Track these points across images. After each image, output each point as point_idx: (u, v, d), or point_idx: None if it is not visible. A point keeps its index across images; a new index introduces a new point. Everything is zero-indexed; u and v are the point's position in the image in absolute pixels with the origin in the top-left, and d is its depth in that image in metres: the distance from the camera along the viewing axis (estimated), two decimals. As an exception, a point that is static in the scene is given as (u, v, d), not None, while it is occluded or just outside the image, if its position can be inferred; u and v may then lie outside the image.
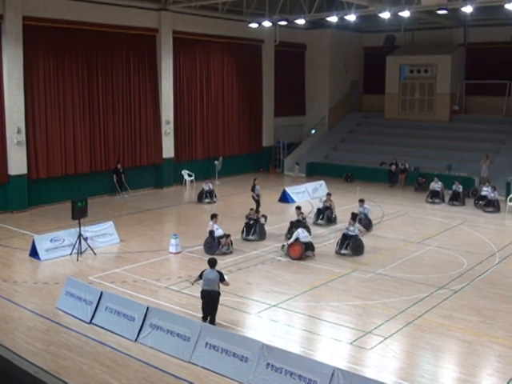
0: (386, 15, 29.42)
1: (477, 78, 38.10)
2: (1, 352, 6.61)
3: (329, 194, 25.96)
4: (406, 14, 29.02)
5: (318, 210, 24.89)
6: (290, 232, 21.25)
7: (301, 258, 19.69)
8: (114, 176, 29.98)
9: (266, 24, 33.36)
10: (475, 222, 25.51)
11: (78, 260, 19.25)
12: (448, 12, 29.16)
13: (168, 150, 32.97)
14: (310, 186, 31.42)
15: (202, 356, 12.10)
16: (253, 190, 26.54)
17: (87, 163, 29.06)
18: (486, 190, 28.38)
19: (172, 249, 20.18)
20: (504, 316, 14.84)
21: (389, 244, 21.78)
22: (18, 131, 25.88)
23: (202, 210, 27.38)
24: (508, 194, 28.61)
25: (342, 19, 31.52)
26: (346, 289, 16.87)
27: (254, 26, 33.80)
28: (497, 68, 37.27)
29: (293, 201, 28.88)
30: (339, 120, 42.80)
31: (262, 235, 21.97)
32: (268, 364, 11.24)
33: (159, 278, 17.53)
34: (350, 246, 20.09)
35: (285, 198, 29.51)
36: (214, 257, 14.87)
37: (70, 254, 19.69)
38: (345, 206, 26.33)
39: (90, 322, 14.06)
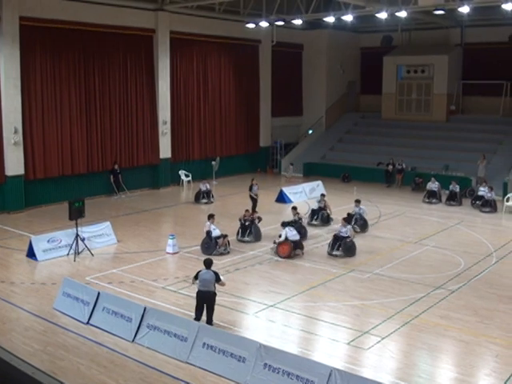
0: (382, 15, 29.43)
1: (474, 78, 38.13)
2: (-2, 353, 6.61)
3: (323, 195, 25.95)
4: (402, 14, 29.03)
5: (313, 210, 24.88)
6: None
7: (290, 256, 19.79)
8: (111, 176, 29.96)
9: (263, 24, 33.35)
10: (472, 222, 25.54)
11: (75, 260, 19.24)
12: (445, 12, 29.22)
13: (165, 151, 32.96)
14: (307, 186, 31.43)
15: (199, 356, 12.09)
16: (250, 189, 26.60)
17: (84, 163, 29.04)
18: (482, 190, 28.41)
19: (169, 249, 20.17)
20: (501, 316, 14.86)
21: (386, 244, 21.80)
22: (15, 131, 25.86)
23: (199, 211, 27.38)
24: (505, 194, 28.66)
25: (339, 19, 31.53)
26: (344, 289, 16.88)
27: (251, 26, 33.80)
28: (494, 68, 37.31)
29: (290, 201, 28.86)
30: (336, 120, 42.82)
31: (257, 236, 21.89)
32: (265, 364, 11.24)
33: (156, 279, 17.53)
34: (342, 247, 19.99)
35: (282, 199, 29.51)
36: (210, 257, 14.85)
37: (67, 254, 19.67)
38: (342, 206, 26.36)
39: (88, 323, 14.05)
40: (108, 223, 21.69)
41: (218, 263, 18.87)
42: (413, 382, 11.56)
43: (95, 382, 11.40)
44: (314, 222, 24.33)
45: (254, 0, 34.72)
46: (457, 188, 29.22)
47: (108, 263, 19.32)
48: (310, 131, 41.88)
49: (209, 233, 20.21)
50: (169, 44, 32.38)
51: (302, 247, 20.41)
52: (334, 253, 20.02)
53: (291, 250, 19.84)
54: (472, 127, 36.97)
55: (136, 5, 30.55)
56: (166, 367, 11.95)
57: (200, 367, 11.92)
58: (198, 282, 13.78)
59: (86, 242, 19.99)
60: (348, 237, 20.17)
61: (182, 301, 15.42)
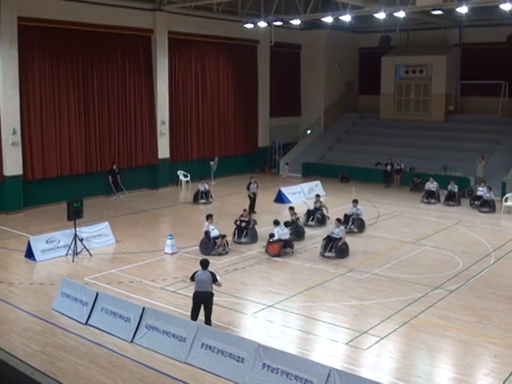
0: (381, 16, 29.45)
1: (472, 78, 38.14)
2: (-3, 353, 6.60)
3: (317, 196, 25.91)
4: (401, 14, 29.07)
5: (308, 211, 24.80)
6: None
7: (279, 254, 19.90)
8: (110, 177, 29.93)
9: (262, 24, 33.36)
10: (471, 222, 25.56)
11: (73, 261, 19.23)
12: (443, 12, 29.24)
13: (163, 151, 32.96)
14: (305, 186, 31.44)
15: (198, 357, 12.09)
16: (248, 188, 26.65)
17: (82, 164, 29.03)
18: (481, 190, 28.43)
19: (168, 249, 20.16)
20: (499, 316, 14.87)
21: (384, 244, 21.81)
22: (14, 132, 25.84)
23: (197, 211, 27.37)
24: (503, 194, 28.67)
25: (337, 20, 31.56)
26: (342, 289, 16.88)
27: (249, 26, 33.80)
28: (492, 68, 37.34)
29: (288, 201, 28.84)
30: (335, 120, 42.83)
31: (253, 238, 21.70)
32: (264, 364, 11.24)
33: (155, 279, 17.52)
34: (334, 248, 19.85)
35: (280, 199, 29.52)
36: (206, 258, 14.81)
37: (66, 254, 19.67)
38: (340, 206, 26.33)
39: (86, 323, 14.04)
40: (106, 223, 21.68)
41: (217, 263, 18.90)
42: (411, 382, 11.57)
43: (94, 383, 11.39)
44: (309, 223, 24.25)
45: (252, 0, 34.73)
46: (455, 188, 29.24)
47: (106, 263, 19.31)
48: (309, 131, 41.89)
49: (207, 233, 20.20)
50: (167, 44, 32.37)
51: (291, 246, 20.51)
52: (326, 254, 19.88)
53: (281, 248, 19.99)
54: (470, 127, 36.99)
55: (134, 5, 30.55)
56: (165, 367, 11.94)
57: (199, 367, 11.91)
58: (194, 283, 13.77)
59: (84, 242, 19.97)
60: (341, 238, 20.03)
61: (180, 301, 15.41)
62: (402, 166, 34.31)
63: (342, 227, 20.65)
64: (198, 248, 20.35)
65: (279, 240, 20.10)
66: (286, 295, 16.20)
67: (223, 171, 35.92)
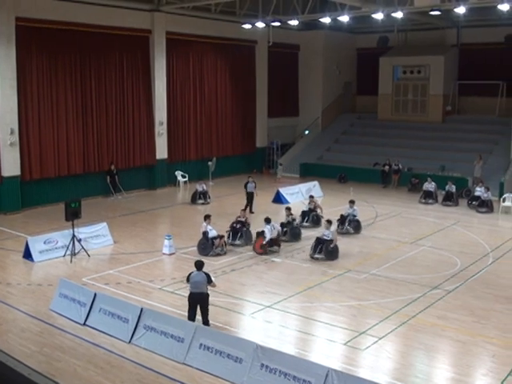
0: (378, 16, 29.46)
1: (470, 78, 38.17)
2: (-6, 354, 6.60)
3: (311, 197, 25.85)
4: (398, 14, 29.08)
5: (303, 212, 24.68)
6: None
7: (266, 252, 20.09)
8: (108, 177, 29.93)
9: (259, 25, 33.37)
10: (468, 223, 25.57)
11: (71, 261, 19.21)
12: (441, 13, 29.23)
13: (161, 151, 32.95)
14: (303, 186, 31.44)
15: (196, 357, 12.08)
16: (245, 186, 26.74)
17: (80, 164, 29.02)
18: (479, 191, 28.45)
19: (166, 250, 20.15)
20: (497, 316, 14.88)
21: (382, 244, 21.81)
22: (11, 132, 25.82)
23: (195, 211, 27.36)
24: (501, 195, 28.69)
25: (335, 20, 31.57)
26: (340, 289, 16.88)
27: (247, 26, 33.82)
28: (489, 68, 37.40)
29: (286, 201, 28.80)
30: (332, 121, 42.85)
31: (248, 240, 21.43)
32: (262, 365, 11.23)
33: (153, 280, 17.51)
34: (324, 250, 19.66)
35: (278, 199, 29.50)
36: (201, 259, 14.78)
37: (64, 255, 19.64)
38: (338, 206, 26.32)
39: (84, 324, 14.03)
40: (104, 224, 21.67)
41: (215, 264, 18.91)
42: (410, 382, 11.57)
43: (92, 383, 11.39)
44: (304, 224, 24.13)
45: (250, 1, 34.73)
46: (453, 188, 29.25)
47: (104, 264, 19.30)
48: (307, 132, 41.90)
49: (205, 233, 20.20)
50: (165, 45, 32.36)
51: (278, 244, 20.64)
52: (315, 256, 19.69)
53: (266, 247, 20.20)
54: (468, 128, 37.03)
55: (132, 5, 30.54)
56: (163, 368, 11.94)
57: (197, 368, 11.91)
58: (189, 284, 13.76)
59: (82, 242, 19.95)
60: (331, 240, 19.86)
61: (178, 302, 15.39)
62: (400, 167, 34.33)
63: (333, 229, 20.52)
64: (196, 248, 20.34)
65: (265, 237, 20.30)
66: (283, 296, 16.20)
67: (221, 172, 35.93)
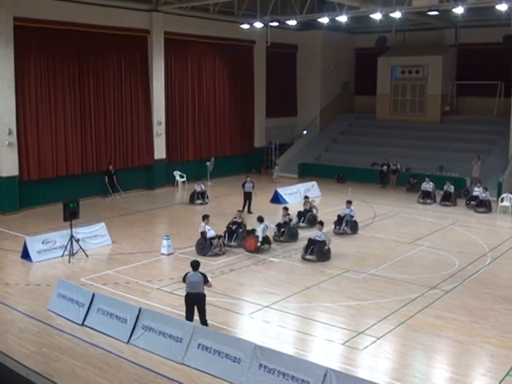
0: (377, 16, 29.49)
1: (468, 78, 38.18)
2: (-7, 354, 6.60)
3: (306, 197, 25.77)
4: (397, 15, 29.09)
5: (299, 212, 24.62)
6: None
7: (257, 250, 20.17)
8: (106, 177, 29.91)
9: (258, 25, 33.36)
10: (467, 223, 25.59)
11: (69, 262, 19.20)
12: (439, 13, 29.23)
13: (160, 151, 32.94)
14: (302, 186, 31.42)
15: (194, 357, 12.08)
16: (243, 186, 26.87)
17: (79, 164, 29.00)
18: (477, 191, 28.47)
19: (164, 250, 20.15)
20: (496, 316, 14.89)
21: (381, 244, 21.82)
22: (10, 132, 25.79)
23: (193, 211, 27.35)
24: (499, 195, 28.71)
25: (333, 20, 31.58)
26: (339, 289, 16.88)
27: (245, 26, 33.82)
28: (488, 69, 37.37)
29: (285, 201, 28.78)
30: (331, 121, 42.85)
31: (243, 241, 21.32)
32: (261, 365, 11.23)
33: (151, 280, 17.50)
34: (315, 251, 19.54)
35: (277, 199, 29.49)
36: (197, 259, 14.76)
37: (62, 255, 19.63)
38: (337, 206, 26.28)
39: (82, 324, 14.02)
40: (103, 224, 21.66)
41: (213, 264, 18.92)
42: (408, 382, 11.58)
43: (90, 384, 11.40)
44: (301, 224, 24.07)
45: (248, 1, 34.73)
46: (451, 188, 29.27)
47: (103, 264, 19.29)
48: (305, 132, 41.89)
49: (203, 233, 20.19)
50: (163, 45, 32.36)
51: (269, 242, 20.73)
52: (307, 257, 19.60)
53: (258, 246, 20.30)
54: (466, 128, 37.04)
55: (130, 5, 30.54)
56: (162, 368, 11.93)
57: (195, 368, 11.91)
58: (185, 284, 13.75)
59: (80, 243, 19.95)
60: (324, 241, 19.76)
61: (177, 302, 15.38)
62: (398, 167, 34.32)
63: (325, 230, 20.39)
64: (194, 249, 20.34)
65: (257, 236, 20.41)
66: (282, 296, 16.20)
67: (219, 172, 35.92)
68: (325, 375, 10.48)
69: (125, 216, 26.22)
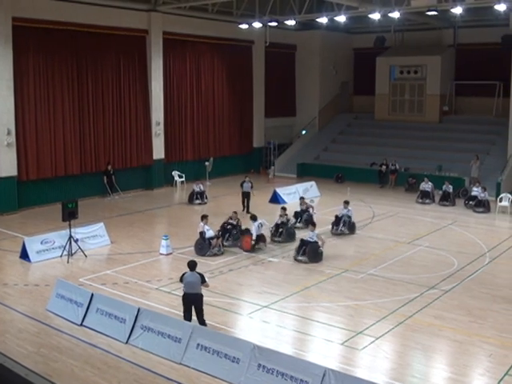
0: (375, 16, 29.51)
1: (466, 78, 38.21)
2: (-9, 355, 6.60)
3: (302, 198, 25.70)
4: (395, 15, 29.07)
5: (296, 213, 24.54)
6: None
7: (253, 249, 20.25)
8: (105, 177, 29.89)
9: (256, 25, 33.33)
10: (465, 222, 25.61)
11: (68, 262, 19.19)
12: (438, 13, 29.22)
13: (158, 151, 32.93)
14: (300, 186, 31.41)
15: (193, 357, 12.08)
16: (241, 186, 27.00)
17: (77, 165, 28.99)
18: (476, 191, 28.49)
19: (163, 250, 20.15)
20: (494, 316, 14.90)
21: (379, 244, 21.82)
22: (8, 133, 25.79)
23: (192, 211, 27.35)
24: (498, 195, 28.74)
25: (331, 20, 31.56)
26: (338, 289, 16.89)
27: (244, 26, 33.80)
28: (486, 69, 37.38)
29: (284, 201, 28.76)
30: (329, 121, 42.87)
31: (237, 241, 21.23)
32: (259, 365, 11.23)
33: (150, 280, 17.50)
34: (307, 252, 19.42)
35: (276, 199, 29.48)
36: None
37: (61, 255, 19.62)
38: (335, 206, 26.28)
39: (81, 324, 14.01)
40: (101, 224, 21.65)
41: (212, 264, 18.93)
42: (407, 382, 11.59)
43: (89, 384, 11.39)
44: (297, 225, 23.92)
45: (246, 1, 34.74)
46: (450, 188, 29.30)
47: (101, 264, 19.29)
48: (304, 132, 41.90)
49: (202, 233, 20.19)
50: (162, 45, 32.36)
51: (264, 240, 20.81)
52: (298, 258, 19.51)
53: (254, 244, 20.38)
54: (465, 128, 37.07)
55: (129, 5, 30.53)
56: (160, 368, 11.93)
57: (194, 368, 11.90)
58: (182, 285, 13.75)
59: (79, 243, 19.94)
60: (316, 242, 19.65)
61: (175, 302, 15.35)
62: (397, 167, 34.33)
63: (317, 232, 20.25)
64: (193, 249, 20.34)
65: (252, 235, 20.52)
66: (281, 296, 16.20)
67: (218, 172, 35.91)
68: (324, 375, 10.48)
69: (123, 216, 26.22)
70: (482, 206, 27.67)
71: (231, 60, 37.30)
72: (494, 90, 37.57)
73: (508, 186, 29.94)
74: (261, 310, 15.23)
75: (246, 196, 26.93)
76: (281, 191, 29.98)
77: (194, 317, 13.58)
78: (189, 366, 11.98)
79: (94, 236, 21.10)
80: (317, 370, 10.69)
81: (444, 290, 16.75)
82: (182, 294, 13.84)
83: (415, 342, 13.30)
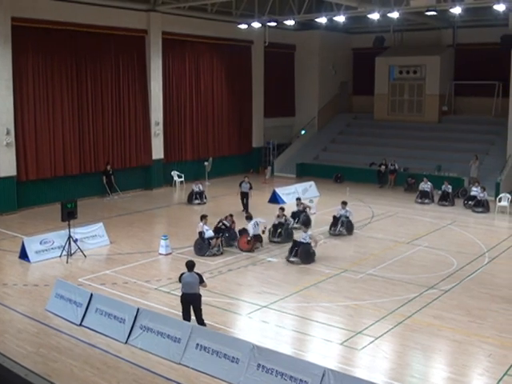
0: (375, 16, 29.51)
1: (466, 78, 38.20)
2: (-9, 355, 6.60)
3: (298, 199, 25.61)
4: (394, 15, 29.09)
5: (293, 213, 24.47)
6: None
7: (252, 250, 20.32)
8: (104, 177, 29.89)
9: (256, 25, 33.36)
10: (465, 222, 25.61)
11: (67, 262, 19.18)
12: (437, 13, 29.24)
13: (157, 151, 32.93)
14: (299, 186, 31.40)
15: (192, 357, 12.08)
16: (240, 186, 27.03)
17: (77, 165, 28.98)
18: (475, 191, 28.50)
19: (162, 250, 20.15)
20: (493, 315, 14.90)
21: (379, 244, 21.83)
22: (7, 133, 25.78)
23: (191, 211, 27.35)
24: (497, 195, 28.75)
25: (331, 20, 31.57)
26: (337, 289, 16.89)
27: (243, 26, 33.80)
28: (486, 69, 37.37)
29: (283, 202, 28.74)
30: (329, 121, 42.87)
31: (231, 241, 21.14)
32: (259, 365, 11.23)
33: (149, 280, 17.50)
34: (299, 253, 19.33)
35: (275, 199, 29.47)
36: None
37: (60, 255, 19.62)
38: (334, 206, 26.24)
39: (80, 324, 14.01)
40: (101, 224, 21.65)
41: (211, 264, 18.93)
42: (406, 382, 11.59)
43: (88, 384, 11.39)
44: (295, 225, 23.86)
45: (246, 1, 34.74)
46: (449, 188, 29.30)
47: (101, 264, 19.28)
48: (303, 132, 41.90)
49: (201, 233, 20.19)
50: (161, 45, 32.35)
51: (260, 240, 20.90)
52: (290, 259, 19.45)
53: (253, 243, 20.41)
54: (464, 128, 37.07)
55: (128, 5, 30.53)
56: (160, 368, 11.93)
57: (193, 368, 11.90)
58: (181, 285, 13.75)
59: (78, 243, 19.93)
60: (308, 243, 19.55)
61: (174, 302, 15.35)
62: (396, 167, 34.34)
63: (310, 233, 20.22)
64: (192, 249, 20.34)
65: (252, 235, 20.57)
66: (280, 296, 16.21)
67: (217, 172, 35.90)
68: (323, 375, 10.48)
69: (123, 216, 26.21)
70: (482, 205, 27.67)
71: (230, 60, 37.30)
72: (493, 90, 37.57)
73: (507, 185, 29.97)
74: (260, 310, 15.23)
75: (244, 196, 26.93)
76: (280, 191, 29.97)
77: (194, 317, 13.59)
78: (188, 366, 11.98)
79: (93, 236, 21.09)
80: (316, 369, 10.69)
81: (443, 289, 16.76)
82: (180, 294, 13.83)
83: (414, 341, 13.30)
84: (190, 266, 13.76)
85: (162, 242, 20.18)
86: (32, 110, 26.94)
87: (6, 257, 19.95)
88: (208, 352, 11.95)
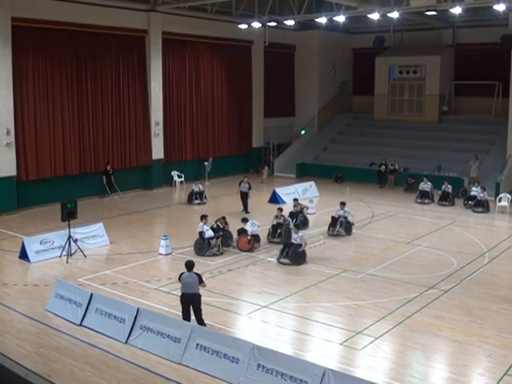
0: (375, 16, 29.51)
1: (466, 78, 38.21)
2: (-9, 355, 6.60)
3: (295, 200, 25.55)
4: (394, 15, 29.09)
5: (291, 213, 24.39)
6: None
7: (251, 249, 20.41)
8: (104, 177, 29.88)
9: (256, 25, 33.36)
10: (465, 222, 25.61)
11: (67, 262, 19.18)
12: (437, 13, 29.25)
13: (157, 151, 32.93)
14: (299, 186, 31.40)
15: (192, 357, 12.08)
16: (240, 185, 27.04)
17: (77, 165, 28.98)
18: (475, 191, 28.49)
19: (162, 250, 20.15)
20: (494, 315, 14.90)
21: (379, 244, 21.82)
22: (7, 133, 25.78)
23: (191, 211, 27.35)
24: (497, 195, 28.75)
25: (331, 20, 31.58)
26: (337, 289, 16.89)
27: (243, 26, 33.80)
28: (486, 69, 37.37)
29: (283, 202, 28.75)
30: (329, 121, 42.87)
31: (226, 241, 21.00)
32: (259, 365, 11.23)
33: (149, 280, 17.50)
34: (290, 254, 19.27)
35: (275, 199, 29.46)
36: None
37: (60, 255, 19.62)
38: (334, 206, 26.23)
39: (80, 324, 14.01)
40: (101, 224, 21.65)
41: (211, 264, 18.93)
42: (406, 382, 11.59)
43: (88, 384, 11.39)
44: (293, 226, 23.85)
45: (246, 1, 34.74)
46: (449, 188, 29.30)
47: (101, 264, 19.28)
48: (303, 132, 41.90)
49: (201, 233, 20.19)
50: (161, 45, 32.35)
51: (258, 240, 21.05)
52: (281, 260, 19.39)
53: (252, 243, 20.51)
54: (464, 128, 37.07)
55: (128, 5, 30.53)
56: (160, 368, 11.93)
57: (193, 368, 11.90)
58: (180, 285, 13.75)
59: (78, 243, 19.93)
60: (299, 244, 19.47)
61: (175, 302, 15.34)
62: (396, 167, 34.33)
63: (301, 234, 20.14)
64: (192, 249, 20.34)
65: (251, 235, 20.65)
66: (280, 296, 16.21)
67: (217, 172, 35.90)
68: (323, 375, 10.48)
69: (123, 216, 26.21)
70: (482, 205, 27.68)
71: (230, 60, 37.30)
72: (493, 90, 37.57)
73: (507, 185, 29.97)
74: (260, 310, 15.23)
75: (243, 196, 26.93)
76: (280, 191, 29.96)
77: (193, 317, 13.59)
78: (188, 366, 11.99)
79: (93, 236, 21.10)
80: (316, 369, 10.69)
81: (443, 289, 16.76)
82: (180, 294, 13.83)
83: (414, 341, 13.30)
84: (190, 266, 13.77)
85: (162, 242, 20.19)
86: (32, 109, 26.94)
87: (6, 257, 19.96)
88: (208, 352, 11.95)
